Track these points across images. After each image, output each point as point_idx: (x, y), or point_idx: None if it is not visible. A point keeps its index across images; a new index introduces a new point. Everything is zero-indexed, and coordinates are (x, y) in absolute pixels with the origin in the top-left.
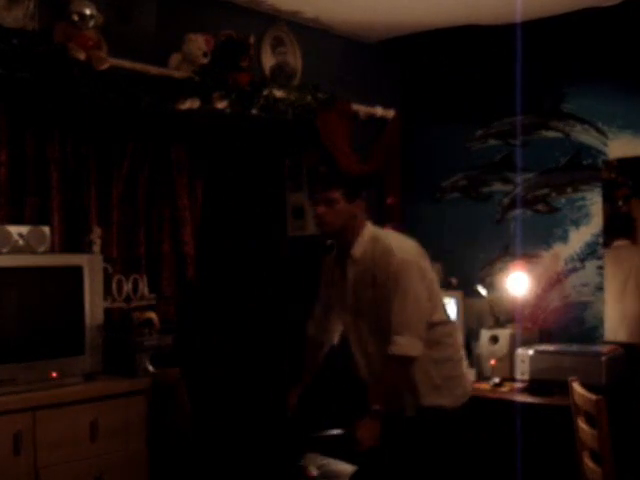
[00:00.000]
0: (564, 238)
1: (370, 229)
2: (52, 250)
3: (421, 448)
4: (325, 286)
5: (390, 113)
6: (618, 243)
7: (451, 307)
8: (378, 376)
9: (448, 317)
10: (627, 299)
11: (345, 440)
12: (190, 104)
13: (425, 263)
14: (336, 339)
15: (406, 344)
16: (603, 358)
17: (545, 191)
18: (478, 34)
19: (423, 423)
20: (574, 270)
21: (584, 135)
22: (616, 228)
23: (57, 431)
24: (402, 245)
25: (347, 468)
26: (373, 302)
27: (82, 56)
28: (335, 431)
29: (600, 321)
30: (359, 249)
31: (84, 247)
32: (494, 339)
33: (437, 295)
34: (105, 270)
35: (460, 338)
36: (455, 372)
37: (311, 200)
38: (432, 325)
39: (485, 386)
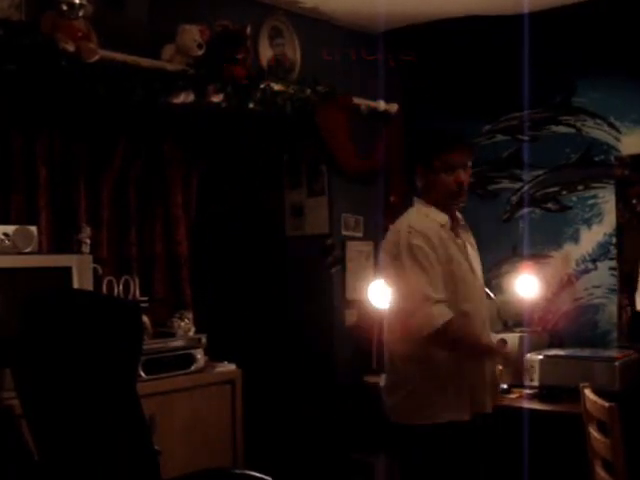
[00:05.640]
0: (575, 238)
1: None
2: (39, 251)
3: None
4: (438, 265)
5: (393, 107)
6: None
7: None
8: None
9: None
10: None
11: None
12: (184, 98)
13: None
14: None
15: None
16: (617, 363)
17: (555, 189)
18: (485, 25)
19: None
20: (586, 271)
21: (596, 130)
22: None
23: None
24: None
25: None
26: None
27: (71, 47)
28: None
29: (613, 325)
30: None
31: (73, 247)
32: (502, 343)
33: None
34: (95, 271)
35: None
36: None
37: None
38: None
39: None
